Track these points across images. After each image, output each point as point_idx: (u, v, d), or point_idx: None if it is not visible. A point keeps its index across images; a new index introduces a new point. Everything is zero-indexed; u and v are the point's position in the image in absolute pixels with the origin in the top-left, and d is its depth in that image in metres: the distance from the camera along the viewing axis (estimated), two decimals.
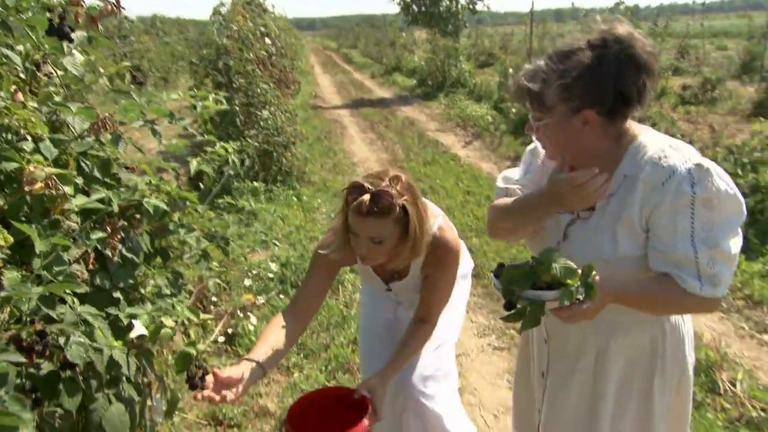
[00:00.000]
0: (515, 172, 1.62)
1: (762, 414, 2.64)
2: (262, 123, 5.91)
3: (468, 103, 10.90)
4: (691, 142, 5.53)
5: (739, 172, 4.97)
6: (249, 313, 3.37)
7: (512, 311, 1.26)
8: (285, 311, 1.70)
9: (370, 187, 1.48)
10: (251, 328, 3.30)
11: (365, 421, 1.49)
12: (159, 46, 14.69)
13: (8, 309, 1.02)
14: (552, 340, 1.53)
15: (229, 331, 3.26)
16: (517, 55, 14.54)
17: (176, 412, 2.10)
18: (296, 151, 6.38)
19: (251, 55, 6.14)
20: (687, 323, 1.49)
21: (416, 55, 17.17)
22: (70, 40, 1.30)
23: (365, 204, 1.46)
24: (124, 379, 1.47)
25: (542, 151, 1.50)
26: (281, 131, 6.10)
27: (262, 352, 1.54)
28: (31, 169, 1.14)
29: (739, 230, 1.28)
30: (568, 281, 1.21)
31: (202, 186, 4.80)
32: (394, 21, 23.01)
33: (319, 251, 1.69)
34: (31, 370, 1.14)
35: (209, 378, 1.41)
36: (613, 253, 1.31)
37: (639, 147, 1.31)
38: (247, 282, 3.87)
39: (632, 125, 1.35)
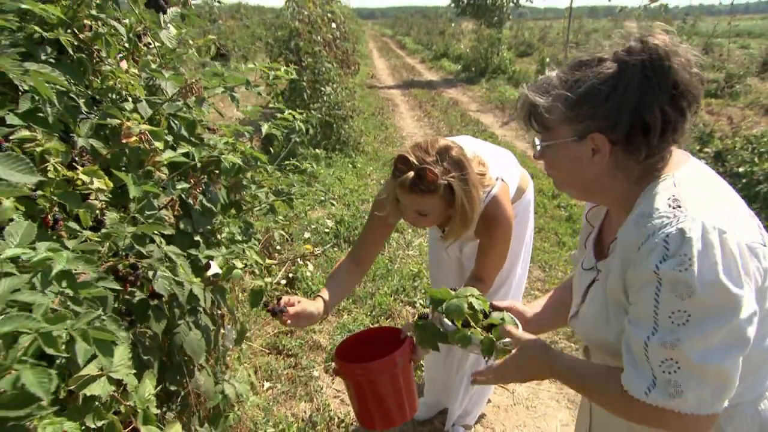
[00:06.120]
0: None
1: None
2: (325, 98, 5.85)
3: (507, 87, 10.55)
4: (711, 132, 5.24)
5: (756, 160, 4.66)
6: (307, 261, 3.39)
7: (421, 322, 1.21)
8: (348, 258, 1.63)
9: (415, 162, 1.31)
10: (308, 274, 3.32)
11: (396, 355, 1.38)
12: (241, 29, 14.71)
13: (108, 244, 1.02)
14: (594, 407, 1.13)
15: (290, 275, 3.29)
16: (554, 46, 13.91)
17: (244, 341, 2.13)
18: (353, 123, 6.31)
19: (318, 37, 6.05)
20: None
21: (462, 44, 16.66)
22: (164, 12, 1.27)
23: (409, 180, 1.31)
24: (201, 310, 1.49)
25: None
26: (341, 106, 6.04)
27: (329, 293, 1.53)
28: (129, 124, 1.12)
29: (731, 341, 0.76)
30: (471, 325, 1.09)
31: (271, 150, 4.81)
32: (445, 12, 22.32)
33: (375, 207, 1.57)
34: (127, 297, 1.15)
35: (284, 300, 1.44)
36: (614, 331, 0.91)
37: (649, 194, 0.86)
38: (307, 235, 3.89)
39: (668, 159, 0.89)
